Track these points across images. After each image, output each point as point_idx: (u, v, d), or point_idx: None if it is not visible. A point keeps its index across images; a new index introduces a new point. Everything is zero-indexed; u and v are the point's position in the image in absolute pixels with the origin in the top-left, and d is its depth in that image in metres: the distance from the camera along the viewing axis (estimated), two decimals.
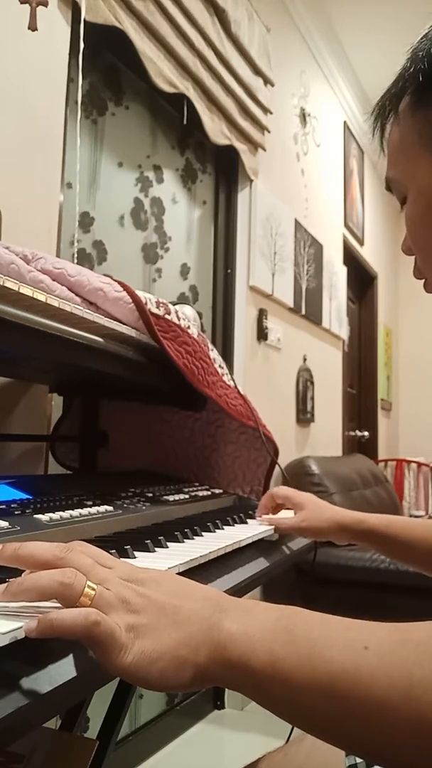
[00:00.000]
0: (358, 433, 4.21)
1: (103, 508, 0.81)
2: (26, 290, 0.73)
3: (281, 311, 2.79)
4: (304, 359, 3.05)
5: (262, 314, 2.57)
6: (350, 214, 3.86)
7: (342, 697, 0.37)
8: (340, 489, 2.78)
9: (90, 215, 1.74)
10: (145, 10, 1.72)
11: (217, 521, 0.92)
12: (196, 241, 2.31)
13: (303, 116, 3.11)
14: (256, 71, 2.41)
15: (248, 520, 1.03)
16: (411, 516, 3.92)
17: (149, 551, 0.67)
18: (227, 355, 2.40)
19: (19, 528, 0.64)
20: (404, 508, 4.15)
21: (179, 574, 0.56)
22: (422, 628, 0.38)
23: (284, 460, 2.72)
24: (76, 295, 0.94)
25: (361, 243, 4.12)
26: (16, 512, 0.70)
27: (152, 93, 1.96)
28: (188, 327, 1.08)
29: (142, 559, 0.64)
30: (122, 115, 1.90)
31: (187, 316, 1.12)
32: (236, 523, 0.98)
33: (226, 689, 0.47)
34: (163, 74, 1.83)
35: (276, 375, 2.75)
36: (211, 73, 2.09)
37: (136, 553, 0.65)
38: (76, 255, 1.63)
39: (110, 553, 0.48)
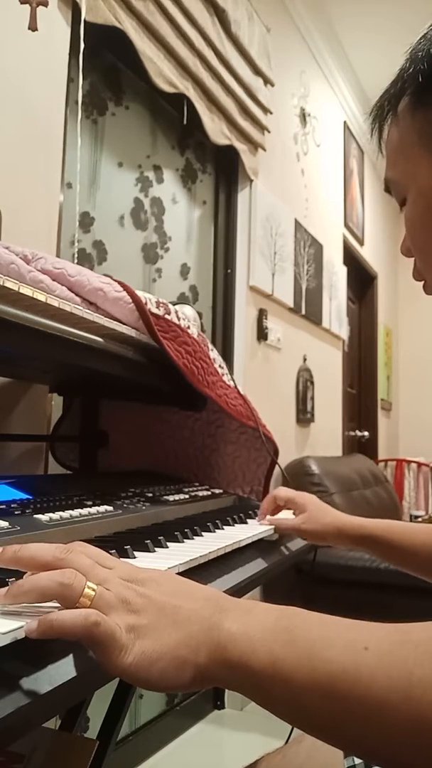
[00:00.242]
0: (358, 433, 4.21)
1: (103, 508, 0.81)
2: (26, 290, 0.73)
3: (281, 311, 2.79)
4: (304, 359, 3.05)
5: (262, 314, 2.57)
6: (350, 214, 3.86)
7: (342, 697, 0.37)
8: (340, 489, 2.78)
9: (90, 215, 1.74)
10: (145, 10, 1.72)
11: (217, 521, 0.92)
12: (196, 241, 2.31)
13: (303, 116, 3.11)
14: (256, 71, 2.41)
15: (248, 520, 1.03)
16: (411, 516, 3.92)
17: (149, 551, 0.67)
18: (227, 355, 2.40)
19: (19, 528, 0.64)
20: (404, 508, 4.15)
21: (179, 574, 0.56)
22: (422, 628, 0.38)
23: (284, 460, 2.72)
24: (76, 295, 0.94)
25: (361, 243, 4.12)
26: (16, 512, 0.70)
27: (152, 93, 1.96)
28: (188, 327, 1.08)
29: (141, 559, 0.64)
30: (122, 115, 1.90)
31: (187, 316, 1.12)
32: (236, 523, 0.98)
33: (226, 689, 0.46)
34: (163, 74, 1.83)
35: (276, 375, 2.75)
36: (211, 73, 2.09)
37: (136, 553, 0.65)
38: (76, 255, 1.63)
39: (110, 553, 0.48)
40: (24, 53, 1.37)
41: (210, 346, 1.18)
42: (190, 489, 1.16)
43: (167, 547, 0.72)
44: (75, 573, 0.42)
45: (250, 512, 1.08)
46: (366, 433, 4.28)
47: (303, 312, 2.98)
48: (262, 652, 0.39)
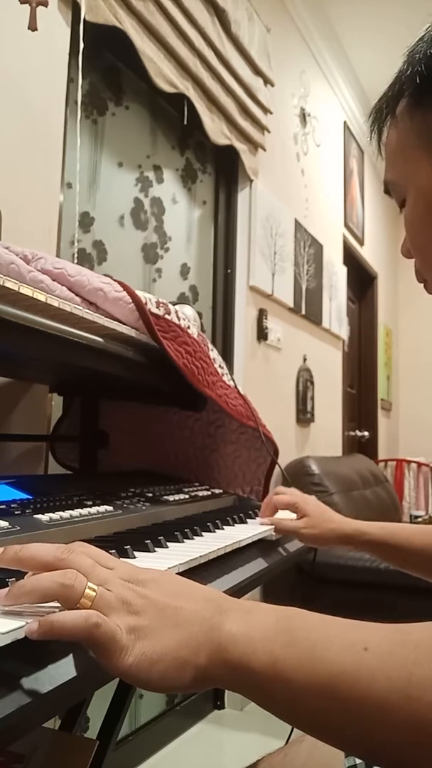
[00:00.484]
0: (358, 433, 4.21)
1: (103, 508, 0.81)
2: (26, 290, 0.73)
3: (281, 311, 2.79)
4: (304, 359, 3.05)
5: (262, 314, 2.57)
6: (350, 214, 3.86)
7: (342, 697, 0.37)
8: (340, 489, 2.78)
9: (90, 215, 1.74)
10: (145, 10, 1.72)
11: (217, 521, 0.92)
12: (196, 241, 2.31)
13: (303, 116, 3.11)
14: (256, 71, 2.41)
15: (248, 520, 1.03)
16: (411, 516, 3.92)
17: (149, 551, 0.67)
18: (227, 355, 2.40)
19: (19, 528, 0.64)
20: (404, 508, 4.15)
21: (179, 574, 0.56)
22: (422, 628, 0.38)
23: (284, 460, 2.72)
24: (76, 295, 0.94)
25: (361, 243, 4.12)
26: (16, 512, 0.70)
27: (152, 93, 1.96)
28: (188, 327, 1.08)
29: (142, 559, 0.64)
30: (122, 115, 1.90)
31: (187, 316, 1.12)
32: (236, 523, 0.98)
33: (226, 690, 0.47)
34: (163, 74, 1.83)
35: (276, 375, 2.75)
36: (211, 73, 2.09)
37: (136, 553, 0.65)
38: (76, 255, 1.63)
39: (110, 554, 0.48)
40: (24, 53, 1.37)
41: (210, 346, 1.18)
42: (190, 489, 1.16)
43: (167, 547, 0.72)
44: (76, 574, 0.42)
45: (250, 512, 1.08)
46: (366, 433, 4.28)
47: (303, 312, 2.98)
48: (262, 653, 0.39)
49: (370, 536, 0.93)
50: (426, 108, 0.56)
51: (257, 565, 0.85)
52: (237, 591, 0.73)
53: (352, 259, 3.93)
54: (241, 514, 1.03)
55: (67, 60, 1.50)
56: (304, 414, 3.02)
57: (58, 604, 0.42)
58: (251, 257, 2.50)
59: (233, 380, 1.23)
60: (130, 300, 0.96)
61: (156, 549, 0.69)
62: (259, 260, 2.53)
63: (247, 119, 2.38)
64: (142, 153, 2.00)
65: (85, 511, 0.77)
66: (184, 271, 2.22)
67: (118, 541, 0.70)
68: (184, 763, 1.91)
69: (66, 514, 0.73)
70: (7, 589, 0.42)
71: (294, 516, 0.99)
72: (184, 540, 0.77)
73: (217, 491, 1.24)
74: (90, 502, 0.83)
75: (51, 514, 0.71)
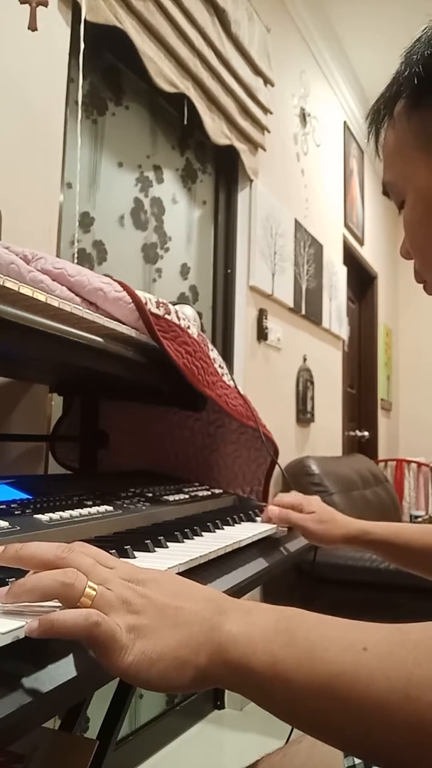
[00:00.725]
0: (358, 433, 4.21)
1: (103, 508, 0.81)
2: (26, 290, 0.73)
3: (281, 311, 2.79)
4: (304, 359, 3.05)
5: (262, 314, 2.57)
6: (350, 214, 3.86)
7: (341, 698, 0.37)
8: (340, 489, 2.78)
9: (90, 215, 1.74)
10: (145, 10, 1.72)
11: (217, 521, 0.92)
12: (196, 241, 2.31)
13: (303, 116, 3.11)
14: (256, 71, 2.41)
15: (248, 520, 1.03)
16: (411, 516, 3.92)
17: (149, 551, 0.67)
18: (227, 355, 2.40)
19: (19, 528, 0.64)
20: (404, 508, 4.15)
21: (179, 574, 0.56)
22: (421, 628, 0.38)
23: (284, 460, 2.72)
24: (76, 295, 0.94)
25: (361, 243, 4.12)
26: (16, 512, 0.70)
27: (152, 93, 1.96)
28: (188, 327, 1.08)
29: (142, 559, 0.64)
30: (122, 115, 1.90)
31: (187, 316, 1.12)
32: (236, 523, 0.98)
33: (226, 690, 0.47)
34: (164, 74, 1.83)
35: (276, 375, 2.75)
36: (211, 73, 2.09)
37: (136, 553, 0.65)
38: (76, 255, 1.63)
39: (110, 554, 0.48)
40: (24, 53, 1.37)
41: (210, 346, 1.18)
42: (190, 489, 1.16)
43: (167, 547, 0.72)
44: (76, 573, 0.42)
45: (250, 512, 1.08)
46: (366, 433, 4.28)
47: (303, 312, 2.98)
48: (262, 654, 0.40)
49: (373, 535, 0.93)
50: (424, 109, 0.56)
51: (257, 565, 0.85)
52: (237, 591, 0.73)
53: (352, 259, 3.93)
54: (241, 514, 1.03)
55: (67, 60, 1.50)
56: (304, 414, 3.02)
57: (59, 604, 0.42)
58: (251, 257, 2.50)
59: (233, 380, 1.23)
60: (130, 300, 0.96)
61: (156, 549, 0.69)
62: (259, 260, 2.53)
63: (247, 119, 2.38)
64: (142, 153, 2.00)
65: (85, 511, 0.77)
66: (184, 271, 2.22)
67: (118, 541, 0.70)
68: (184, 763, 1.91)
69: (66, 514, 0.73)
70: (7, 587, 0.42)
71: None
72: (184, 540, 0.77)
73: (217, 491, 1.24)
74: (90, 502, 0.83)
75: (51, 514, 0.71)
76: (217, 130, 2.17)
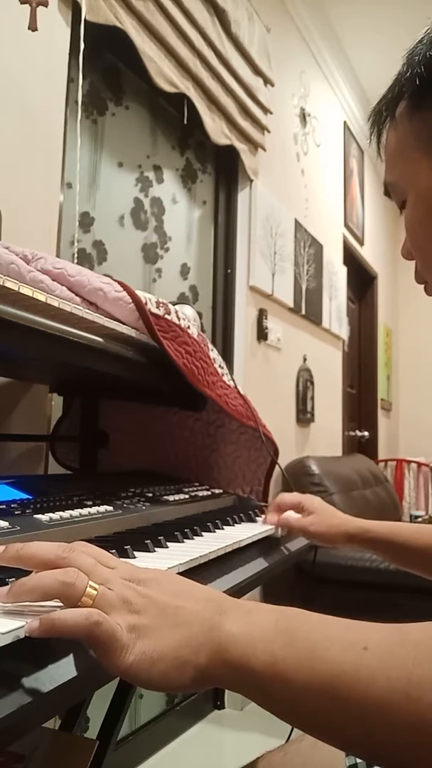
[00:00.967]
0: (358, 433, 4.21)
1: (103, 508, 0.81)
2: (26, 290, 0.73)
3: (281, 311, 2.79)
4: (304, 359, 3.05)
5: (262, 314, 2.57)
6: (350, 214, 3.86)
7: (342, 698, 0.37)
8: (340, 489, 2.78)
9: (90, 215, 1.74)
10: (145, 10, 1.72)
11: (217, 521, 0.92)
12: (196, 241, 2.31)
13: (303, 116, 3.11)
14: (256, 71, 2.41)
15: (248, 520, 1.03)
16: (411, 516, 3.92)
17: (149, 551, 0.67)
18: (227, 355, 2.40)
19: (19, 528, 0.64)
20: (404, 508, 4.15)
21: (179, 574, 0.56)
22: (421, 628, 0.38)
23: (284, 460, 2.72)
24: (76, 295, 0.94)
25: (361, 243, 4.12)
26: (16, 512, 0.70)
27: (152, 93, 1.96)
28: (188, 327, 1.08)
29: (142, 559, 0.64)
30: (122, 115, 1.90)
31: (187, 316, 1.12)
32: (236, 523, 0.98)
33: (226, 689, 0.47)
34: (164, 74, 1.83)
35: (276, 375, 2.75)
36: (212, 73, 2.09)
37: (136, 553, 0.65)
38: (76, 255, 1.63)
39: (110, 553, 0.48)
40: (24, 53, 1.37)
41: (210, 346, 1.18)
42: (190, 489, 1.16)
43: (167, 547, 0.72)
44: (77, 572, 0.42)
45: (250, 512, 1.08)
46: (366, 433, 4.28)
47: (303, 312, 2.98)
48: (262, 654, 0.40)
49: (374, 534, 0.93)
50: (425, 110, 0.57)
51: (257, 565, 0.85)
52: (237, 591, 0.73)
53: (352, 259, 3.93)
54: (241, 514, 1.03)
55: (67, 60, 1.50)
56: (304, 414, 3.02)
57: (59, 603, 0.42)
58: (251, 257, 2.50)
59: (233, 380, 1.23)
60: (130, 300, 0.96)
61: (156, 549, 0.69)
62: (259, 260, 2.53)
63: (247, 119, 2.38)
64: (142, 153, 2.00)
65: (85, 511, 0.77)
66: (184, 271, 2.22)
67: (118, 541, 0.70)
68: (184, 763, 1.91)
69: (66, 514, 0.73)
70: (7, 587, 0.42)
71: (299, 516, 1.00)
72: (184, 540, 0.77)
73: (217, 491, 1.24)
74: (90, 502, 0.83)
75: (51, 514, 0.71)
76: (217, 130, 2.17)
